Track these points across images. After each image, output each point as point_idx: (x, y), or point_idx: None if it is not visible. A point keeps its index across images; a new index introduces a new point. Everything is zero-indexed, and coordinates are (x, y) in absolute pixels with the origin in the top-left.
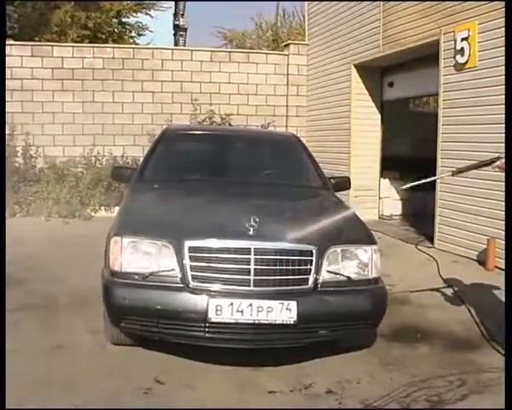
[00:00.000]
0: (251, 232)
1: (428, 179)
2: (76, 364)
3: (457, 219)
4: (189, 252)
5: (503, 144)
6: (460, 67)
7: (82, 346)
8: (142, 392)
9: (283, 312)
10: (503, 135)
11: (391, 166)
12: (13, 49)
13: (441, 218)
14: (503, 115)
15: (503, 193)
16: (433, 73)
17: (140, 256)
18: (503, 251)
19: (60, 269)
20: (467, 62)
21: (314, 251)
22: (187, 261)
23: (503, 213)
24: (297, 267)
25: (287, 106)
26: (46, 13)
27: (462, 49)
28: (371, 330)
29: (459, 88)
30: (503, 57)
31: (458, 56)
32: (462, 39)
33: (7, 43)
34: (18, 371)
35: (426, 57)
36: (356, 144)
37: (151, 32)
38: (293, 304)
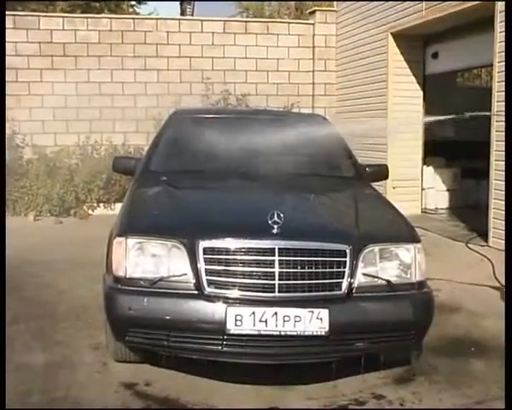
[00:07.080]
0: (275, 230)
1: None
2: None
3: None
4: (204, 254)
5: None
6: None
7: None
8: None
9: (313, 321)
10: None
11: (435, 151)
12: None
13: (496, 211)
14: None
15: None
16: (487, 40)
17: (147, 259)
18: None
19: None
20: None
21: (348, 251)
22: (201, 264)
23: None
24: (328, 270)
25: (313, 84)
26: None
27: None
28: (415, 342)
29: None
30: None
31: None
32: None
33: None
34: None
35: (478, 22)
36: (394, 127)
37: None
38: (324, 312)
